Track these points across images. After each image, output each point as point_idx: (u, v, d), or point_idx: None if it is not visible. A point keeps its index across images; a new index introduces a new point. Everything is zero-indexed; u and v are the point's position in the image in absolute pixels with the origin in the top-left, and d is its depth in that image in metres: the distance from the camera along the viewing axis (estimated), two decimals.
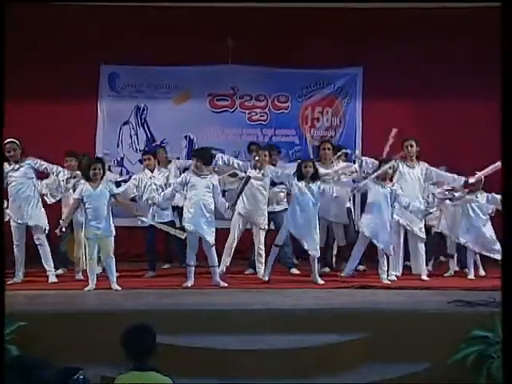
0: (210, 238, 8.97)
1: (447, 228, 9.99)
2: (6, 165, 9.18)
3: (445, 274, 10.01)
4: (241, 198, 9.51)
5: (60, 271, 9.84)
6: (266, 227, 9.73)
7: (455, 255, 10.14)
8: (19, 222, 9.25)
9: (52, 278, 9.29)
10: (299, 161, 9.60)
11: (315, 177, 9.20)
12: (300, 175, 9.20)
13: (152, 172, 9.93)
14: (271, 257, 9.33)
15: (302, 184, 9.15)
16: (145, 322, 4.89)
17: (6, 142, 9.09)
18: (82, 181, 9.06)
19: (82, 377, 2.96)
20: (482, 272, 9.86)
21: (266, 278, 9.25)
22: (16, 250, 9.29)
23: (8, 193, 9.27)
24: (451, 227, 9.91)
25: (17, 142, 9.25)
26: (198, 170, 9.09)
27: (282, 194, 9.96)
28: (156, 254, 10.20)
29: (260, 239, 9.67)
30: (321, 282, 9.26)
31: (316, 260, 9.28)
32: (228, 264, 9.74)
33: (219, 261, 9.41)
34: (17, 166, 9.28)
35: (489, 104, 11.25)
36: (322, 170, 9.56)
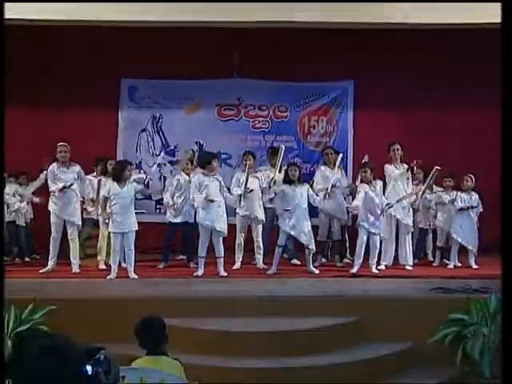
0: (223, 229, 8.99)
1: (443, 224, 10.03)
2: (54, 164, 9.21)
3: (433, 264, 10.12)
4: (240, 200, 9.60)
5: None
6: (264, 221, 9.74)
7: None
8: (60, 217, 9.23)
9: (75, 269, 9.28)
10: (285, 166, 9.60)
11: (300, 180, 9.19)
12: (288, 179, 9.20)
13: (189, 176, 9.91)
14: (276, 256, 9.32)
15: (289, 187, 9.16)
16: (155, 313, 4.91)
17: (59, 144, 9.21)
18: (109, 180, 9.11)
19: (103, 355, 2.95)
20: (458, 263, 9.87)
21: (272, 272, 9.22)
22: (52, 242, 9.26)
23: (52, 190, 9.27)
24: (447, 223, 9.94)
25: (67, 145, 9.26)
26: (208, 170, 9.12)
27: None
28: (170, 248, 10.20)
29: (258, 232, 9.71)
30: (316, 271, 9.26)
31: (311, 253, 9.28)
32: (241, 259, 9.75)
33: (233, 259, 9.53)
34: (65, 168, 9.26)
35: (465, 114, 11.33)
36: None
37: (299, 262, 9.91)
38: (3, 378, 2.69)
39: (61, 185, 9.13)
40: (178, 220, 9.90)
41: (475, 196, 9.77)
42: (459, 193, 9.78)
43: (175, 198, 9.85)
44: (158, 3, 8.84)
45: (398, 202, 9.40)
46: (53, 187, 9.20)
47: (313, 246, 9.22)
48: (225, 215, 9.11)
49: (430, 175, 9.57)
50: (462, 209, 9.71)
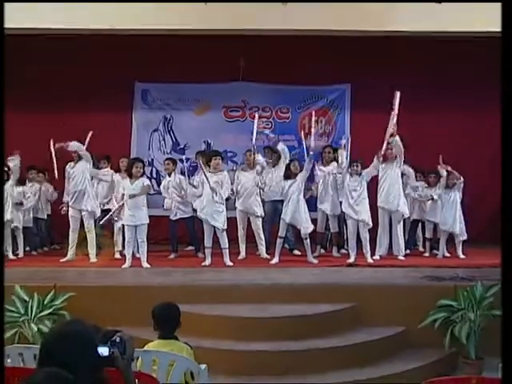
0: (219, 224, 9.00)
1: (431, 216, 10.04)
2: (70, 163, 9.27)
3: (425, 254, 10.10)
4: (237, 195, 9.66)
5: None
6: (263, 214, 9.76)
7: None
8: (77, 208, 9.27)
9: (92, 259, 9.31)
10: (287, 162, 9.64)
11: (295, 175, 9.22)
12: (287, 174, 9.23)
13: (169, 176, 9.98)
14: (278, 246, 9.34)
15: (287, 182, 9.19)
16: (167, 300, 4.94)
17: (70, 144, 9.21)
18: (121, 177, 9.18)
19: (119, 338, 2.99)
20: (446, 253, 9.86)
21: (275, 262, 9.25)
22: (71, 234, 9.31)
23: (68, 186, 9.33)
24: (434, 216, 9.96)
25: (81, 144, 9.29)
26: (213, 168, 9.15)
27: None
28: (177, 240, 10.23)
29: (258, 225, 9.71)
30: (315, 261, 9.28)
31: (309, 244, 9.30)
32: (245, 250, 9.74)
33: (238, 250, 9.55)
34: (72, 163, 9.32)
35: (456, 116, 11.35)
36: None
37: (300, 253, 9.91)
38: (3, 377, 2.71)
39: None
40: (176, 217, 9.96)
41: (458, 190, 9.70)
42: (441, 188, 9.75)
43: (175, 196, 9.88)
44: (170, 14, 8.88)
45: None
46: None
47: (307, 231, 9.21)
48: (224, 211, 9.11)
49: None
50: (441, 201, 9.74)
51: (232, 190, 9.54)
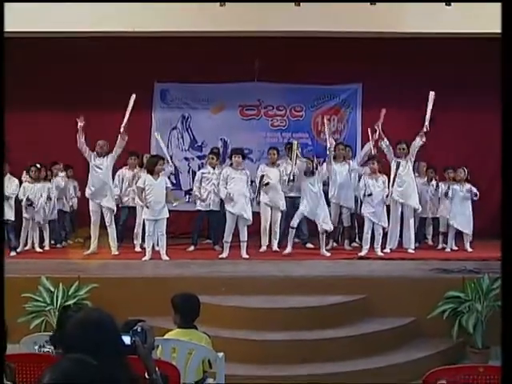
0: (248, 216, 9.06)
1: (443, 212, 9.99)
2: (93, 156, 9.29)
3: (437, 247, 10.02)
4: (263, 190, 9.62)
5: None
6: (284, 208, 9.76)
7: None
8: (97, 202, 9.30)
9: (114, 251, 9.36)
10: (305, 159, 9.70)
11: (312, 172, 9.25)
12: (307, 171, 9.26)
13: (214, 169, 9.97)
14: (290, 237, 9.36)
15: (307, 178, 9.21)
16: (185, 291, 4.97)
17: (99, 142, 9.34)
18: (143, 172, 9.23)
19: (140, 327, 3.02)
20: (454, 247, 9.82)
21: (288, 252, 9.26)
22: (93, 227, 9.36)
23: (90, 180, 9.35)
24: (446, 211, 9.91)
25: (106, 142, 9.38)
26: (235, 165, 9.17)
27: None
28: (198, 233, 10.25)
29: (277, 220, 9.69)
30: (328, 254, 9.29)
31: (324, 237, 9.31)
32: (267, 243, 9.74)
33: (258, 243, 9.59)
34: (100, 159, 9.32)
35: (462, 114, 11.28)
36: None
37: (312, 246, 9.91)
38: (3, 377, 2.74)
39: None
40: (205, 208, 9.95)
41: (467, 186, 9.67)
42: (454, 184, 9.72)
43: (202, 189, 9.89)
44: (189, 16, 8.92)
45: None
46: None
47: (327, 226, 9.25)
48: (249, 205, 9.19)
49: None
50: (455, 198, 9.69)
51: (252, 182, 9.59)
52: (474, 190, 9.58)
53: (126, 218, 10.12)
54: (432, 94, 9.33)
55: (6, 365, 3.20)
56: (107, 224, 9.36)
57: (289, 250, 9.28)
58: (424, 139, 9.34)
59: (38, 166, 9.79)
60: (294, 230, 9.40)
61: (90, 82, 11.11)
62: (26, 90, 10.52)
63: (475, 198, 9.62)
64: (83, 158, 9.49)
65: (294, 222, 9.33)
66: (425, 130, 9.32)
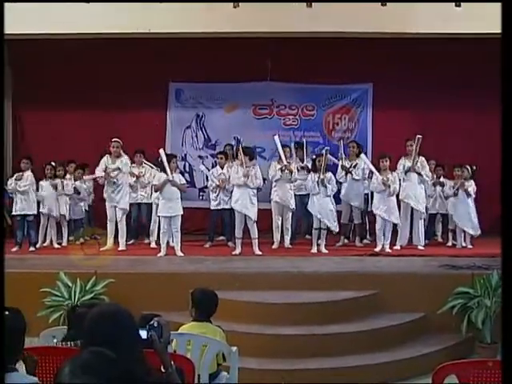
0: (252, 215, 9.05)
1: (451, 209, 9.95)
2: (107, 159, 9.32)
3: (447, 244, 9.97)
4: (274, 188, 9.61)
5: (132, 241, 10.05)
6: (294, 207, 9.75)
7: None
8: (112, 204, 9.35)
9: (122, 247, 9.39)
10: (313, 156, 9.71)
11: (325, 170, 9.21)
12: (314, 168, 9.24)
13: (222, 168, 10.02)
14: (314, 237, 9.34)
15: (315, 177, 9.19)
16: (200, 286, 4.98)
17: (113, 140, 9.33)
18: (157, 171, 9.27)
19: (157, 322, 3.04)
20: (463, 243, 9.78)
21: (315, 251, 9.23)
22: (109, 224, 9.42)
23: (106, 182, 9.38)
24: (453, 209, 9.87)
25: (120, 141, 9.37)
26: (243, 163, 9.18)
27: None
28: (214, 230, 10.29)
29: (288, 218, 9.67)
30: (325, 251, 9.25)
31: (323, 234, 9.28)
32: (279, 239, 9.74)
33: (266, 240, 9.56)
34: (116, 161, 9.32)
35: (471, 114, 11.23)
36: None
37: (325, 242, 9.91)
38: (3, 376, 2.75)
39: (102, 173, 9.29)
40: (218, 207, 9.97)
41: (470, 184, 9.62)
42: (458, 183, 9.68)
43: (213, 188, 9.93)
44: (202, 17, 8.94)
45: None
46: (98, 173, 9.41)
47: (334, 227, 9.26)
48: (256, 202, 9.16)
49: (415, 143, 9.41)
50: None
51: (264, 180, 9.58)
52: (470, 189, 9.51)
53: (136, 214, 10.15)
54: (419, 137, 9.32)
55: (29, 357, 3.23)
56: (118, 220, 9.42)
57: (314, 250, 9.27)
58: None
59: (53, 164, 9.85)
60: (318, 231, 9.36)
61: (106, 82, 11.15)
62: (47, 90, 10.62)
63: (473, 197, 9.57)
64: (99, 157, 9.55)
65: (316, 223, 9.29)
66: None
